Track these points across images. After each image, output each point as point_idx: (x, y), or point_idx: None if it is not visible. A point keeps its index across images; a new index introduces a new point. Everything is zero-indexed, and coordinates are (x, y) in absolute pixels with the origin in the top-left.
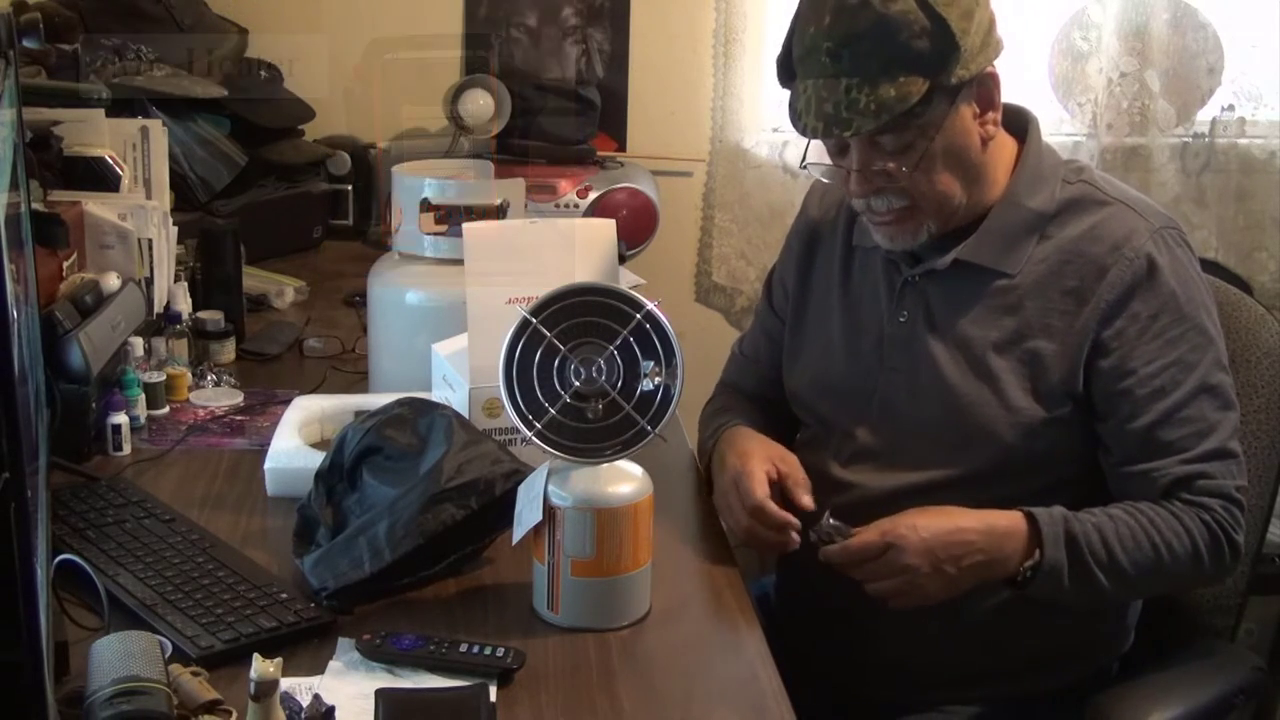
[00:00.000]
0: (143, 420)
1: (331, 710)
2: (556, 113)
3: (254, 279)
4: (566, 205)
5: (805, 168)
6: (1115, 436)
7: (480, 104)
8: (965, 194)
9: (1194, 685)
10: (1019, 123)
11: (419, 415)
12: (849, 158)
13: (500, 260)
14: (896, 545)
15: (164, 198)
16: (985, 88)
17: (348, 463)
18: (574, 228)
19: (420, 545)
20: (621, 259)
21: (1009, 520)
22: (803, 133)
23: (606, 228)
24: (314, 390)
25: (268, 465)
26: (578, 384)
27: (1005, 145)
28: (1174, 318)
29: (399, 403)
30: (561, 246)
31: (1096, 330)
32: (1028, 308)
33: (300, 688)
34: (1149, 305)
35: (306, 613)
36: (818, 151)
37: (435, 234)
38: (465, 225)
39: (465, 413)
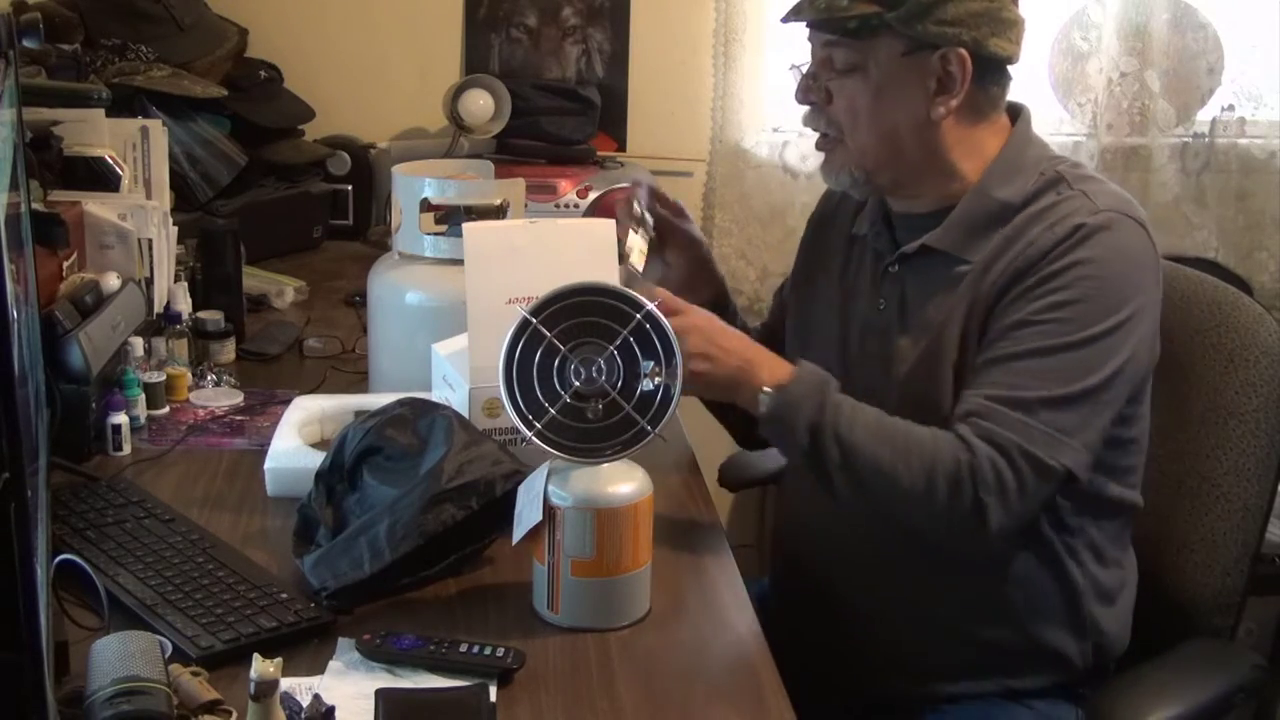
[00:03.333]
0: (143, 420)
1: (331, 710)
2: (556, 113)
3: (254, 279)
4: (566, 205)
5: (795, 68)
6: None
7: (480, 104)
8: (885, 160)
9: (1194, 684)
10: (1010, 116)
11: (419, 415)
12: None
13: (500, 260)
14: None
15: (164, 198)
16: (950, 67)
17: (348, 463)
18: (574, 228)
19: (420, 545)
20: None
21: (784, 365)
22: (782, 19)
23: (606, 228)
24: (314, 390)
25: (268, 465)
26: (578, 384)
27: (996, 135)
28: (1068, 281)
29: (399, 403)
30: (561, 246)
31: (1006, 287)
32: (980, 290)
33: (300, 688)
34: (1055, 265)
35: (306, 613)
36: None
37: (435, 234)
38: (465, 225)
39: (465, 413)
